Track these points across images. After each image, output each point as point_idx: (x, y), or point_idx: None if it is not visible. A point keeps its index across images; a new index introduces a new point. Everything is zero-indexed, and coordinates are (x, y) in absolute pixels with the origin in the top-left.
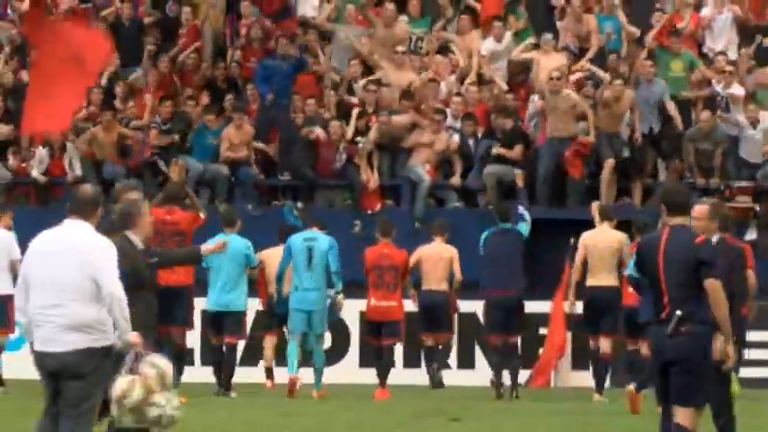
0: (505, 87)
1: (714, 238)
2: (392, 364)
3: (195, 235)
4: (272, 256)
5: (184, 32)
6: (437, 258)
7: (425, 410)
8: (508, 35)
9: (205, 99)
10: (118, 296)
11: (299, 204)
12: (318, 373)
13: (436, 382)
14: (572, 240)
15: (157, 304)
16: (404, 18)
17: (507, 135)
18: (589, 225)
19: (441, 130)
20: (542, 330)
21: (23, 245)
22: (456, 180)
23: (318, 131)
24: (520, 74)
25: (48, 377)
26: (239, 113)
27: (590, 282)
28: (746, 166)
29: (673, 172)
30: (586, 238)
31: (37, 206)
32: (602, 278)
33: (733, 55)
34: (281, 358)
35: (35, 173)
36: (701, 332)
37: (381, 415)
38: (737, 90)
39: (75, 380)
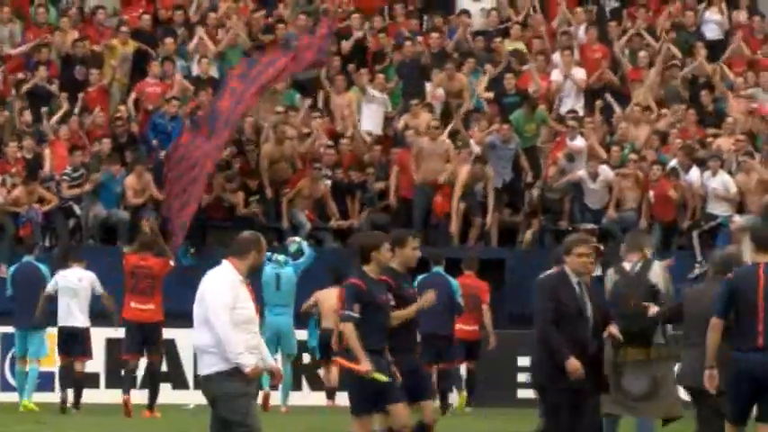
0: (375, 136)
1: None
2: None
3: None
4: (326, 296)
5: (93, 91)
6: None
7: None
8: (385, 94)
9: (107, 148)
10: (215, 325)
11: (192, 249)
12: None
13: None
14: None
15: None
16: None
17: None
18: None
19: (320, 180)
20: None
21: None
22: (333, 223)
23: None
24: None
25: None
26: (139, 165)
27: None
28: (590, 210)
29: (523, 216)
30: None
31: None
32: None
33: (579, 112)
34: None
35: None
36: None
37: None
38: (580, 142)
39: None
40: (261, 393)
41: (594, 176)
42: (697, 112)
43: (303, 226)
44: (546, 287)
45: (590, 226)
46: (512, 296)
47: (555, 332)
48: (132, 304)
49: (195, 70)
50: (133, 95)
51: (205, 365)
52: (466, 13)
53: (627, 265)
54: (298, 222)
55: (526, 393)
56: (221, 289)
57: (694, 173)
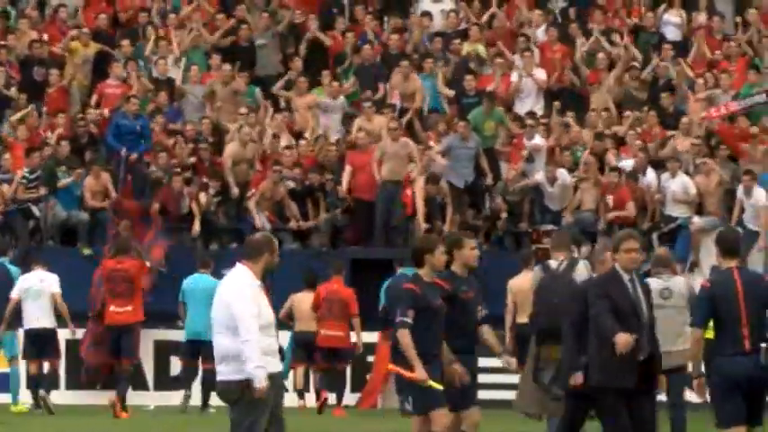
0: (333, 139)
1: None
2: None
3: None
4: (301, 299)
5: (53, 91)
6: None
7: None
8: (342, 98)
9: (66, 150)
10: (245, 336)
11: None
12: None
13: None
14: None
15: None
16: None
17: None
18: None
19: (280, 181)
20: (370, 358)
21: None
22: (293, 224)
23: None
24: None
25: None
26: (96, 166)
27: (519, 319)
28: (549, 212)
29: (483, 218)
30: (513, 283)
31: None
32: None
33: (539, 112)
34: None
35: None
36: None
37: None
38: (539, 141)
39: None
40: None
41: (552, 181)
42: (658, 113)
43: (264, 227)
44: (597, 286)
45: (550, 227)
46: None
47: (608, 317)
48: (111, 308)
49: (155, 72)
50: (95, 97)
51: (230, 371)
52: (427, 15)
53: (553, 264)
54: (258, 223)
55: (486, 394)
56: (247, 298)
57: (651, 174)
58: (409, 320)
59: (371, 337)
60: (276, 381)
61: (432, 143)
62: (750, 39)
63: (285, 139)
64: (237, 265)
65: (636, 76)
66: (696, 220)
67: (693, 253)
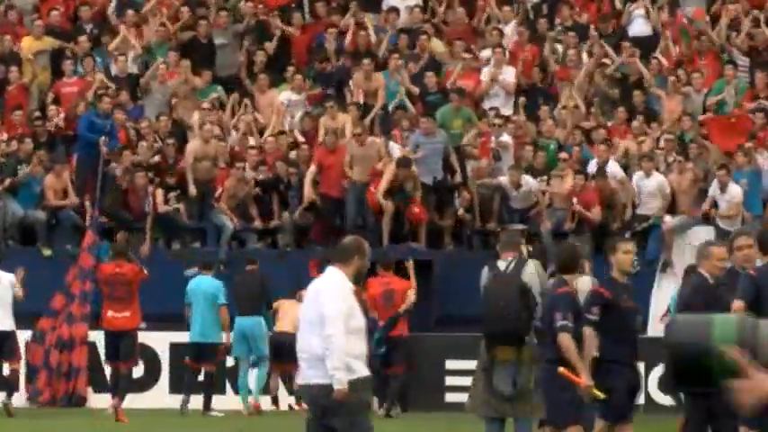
0: (301, 138)
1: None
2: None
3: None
4: (292, 304)
5: (12, 88)
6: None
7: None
8: (303, 93)
9: (29, 148)
10: (330, 333)
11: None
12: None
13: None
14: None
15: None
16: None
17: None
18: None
19: (244, 180)
20: None
21: None
22: (258, 224)
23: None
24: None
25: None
26: (58, 164)
27: None
28: (516, 212)
29: (451, 217)
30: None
31: None
32: None
33: (507, 111)
34: None
35: None
36: None
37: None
38: (507, 138)
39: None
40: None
41: (517, 186)
42: (627, 110)
43: (226, 228)
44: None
45: (520, 226)
46: (439, 298)
47: None
48: (109, 313)
49: (114, 69)
50: (51, 95)
51: (320, 375)
52: (395, 10)
53: (501, 264)
54: (220, 223)
55: (454, 397)
56: (339, 299)
57: (614, 167)
58: (569, 323)
59: None
60: (366, 384)
61: (396, 149)
62: (719, 34)
63: (252, 138)
64: (329, 268)
65: (607, 73)
66: (668, 219)
67: (666, 252)
